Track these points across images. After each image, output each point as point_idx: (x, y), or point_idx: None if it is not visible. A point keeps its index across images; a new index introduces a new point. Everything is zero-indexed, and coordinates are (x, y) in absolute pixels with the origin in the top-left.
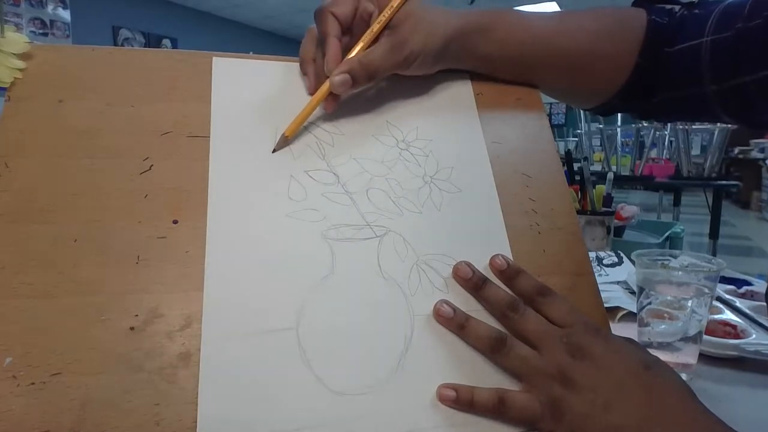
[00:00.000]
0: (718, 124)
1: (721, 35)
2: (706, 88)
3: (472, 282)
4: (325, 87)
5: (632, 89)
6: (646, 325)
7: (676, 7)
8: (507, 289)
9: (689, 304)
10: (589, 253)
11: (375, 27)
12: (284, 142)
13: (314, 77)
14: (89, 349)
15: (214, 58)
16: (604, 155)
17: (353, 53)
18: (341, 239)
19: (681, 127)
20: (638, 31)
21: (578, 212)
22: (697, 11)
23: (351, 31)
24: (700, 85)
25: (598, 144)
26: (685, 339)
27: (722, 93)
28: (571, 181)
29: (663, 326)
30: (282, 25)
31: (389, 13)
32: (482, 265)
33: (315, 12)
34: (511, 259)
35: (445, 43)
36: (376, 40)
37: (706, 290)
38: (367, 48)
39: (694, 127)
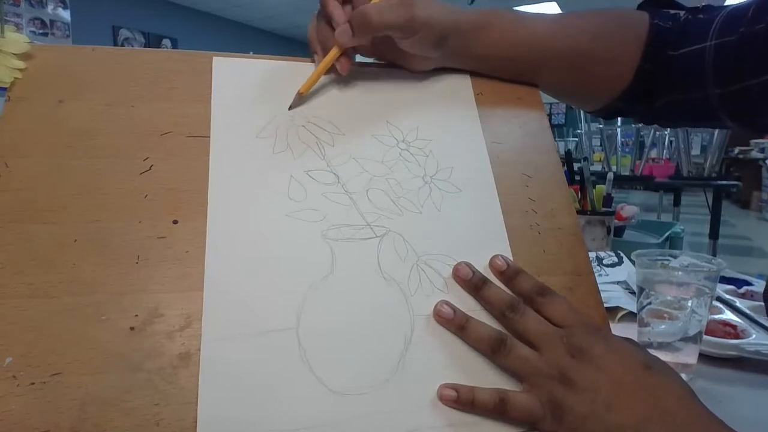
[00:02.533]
0: None
1: (724, 39)
2: (709, 92)
3: (472, 283)
4: (335, 48)
5: (634, 92)
6: (646, 325)
7: (680, 12)
8: (507, 290)
9: (689, 304)
10: (589, 253)
11: None
12: (299, 99)
13: (322, 52)
14: (89, 349)
15: (214, 58)
16: (604, 155)
17: None
18: (341, 239)
19: None
20: (640, 34)
21: (578, 212)
22: (701, 16)
23: (353, 1)
24: (704, 88)
25: (598, 144)
26: (685, 339)
27: (726, 96)
28: (571, 181)
29: (663, 326)
30: (282, 25)
31: None
32: (482, 265)
33: None
34: (511, 259)
35: (446, 30)
36: None
37: (706, 290)
38: None
39: None
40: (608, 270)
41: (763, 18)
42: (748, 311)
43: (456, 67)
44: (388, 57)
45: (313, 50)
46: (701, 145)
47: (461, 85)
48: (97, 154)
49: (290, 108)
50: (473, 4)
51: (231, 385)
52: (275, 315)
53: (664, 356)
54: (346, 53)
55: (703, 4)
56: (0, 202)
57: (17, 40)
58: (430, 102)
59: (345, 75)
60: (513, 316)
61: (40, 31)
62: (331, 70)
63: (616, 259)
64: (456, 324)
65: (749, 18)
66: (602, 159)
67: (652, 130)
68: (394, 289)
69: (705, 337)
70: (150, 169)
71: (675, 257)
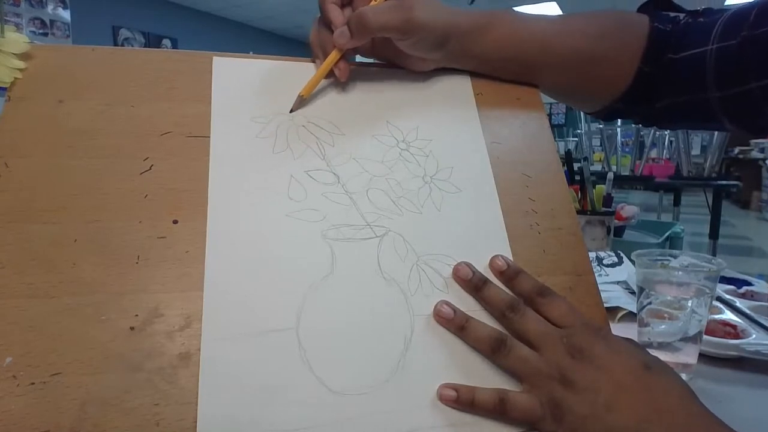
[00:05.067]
0: None
1: (726, 43)
2: (710, 95)
3: (472, 283)
4: (334, 51)
5: (635, 94)
6: (646, 325)
7: (680, 15)
8: (507, 290)
9: (689, 304)
10: (589, 253)
11: None
12: (300, 102)
13: (323, 57)
14: (89, 349)
15: (214, 58)
16: (604, 155)
17: None
18: (341, 239)
19: None
20: (640, 36)
21: (578, 212)
22: (701, 19)
23: (352, 4)
24: (704, 91)
25: (598, 144)
26: (685, 339)
27: (727, 99)
28: (571, 181)
29: (663, 326)
30: (282, 25)
31: None
32: (482, 265)
33: None
34: (511, 259)
35: (446, 32)
36: None
37: (706, 290)
38: None
39: None
40: (608, 270)
41: (766, 22)
42: (748, 311)
43: (456, 68)
44: (388, 57)
45: (314, 55)
46: (701, 145)
47: (461, 85)
48: (97, 154)
49: (291, 111)
50: (473, 5)
51: (231, 385)
52: (275, 315)
53: (664, 356)
54: (345, 57)
55: (703, 7)
56: (0, 202)
57: (17, 40)
58: (430, 102)
59: (344, 80)
60: (513, 316)
61: (40, 31)
62: (331, 73)
63: (616, 259)
64: (456, 324)
65: (751, 22)
66: (602, 159)
67: (652, 130)
68: (394, 289)
69: (705, 337)
70: (150, 169)
71: (675, 257)
